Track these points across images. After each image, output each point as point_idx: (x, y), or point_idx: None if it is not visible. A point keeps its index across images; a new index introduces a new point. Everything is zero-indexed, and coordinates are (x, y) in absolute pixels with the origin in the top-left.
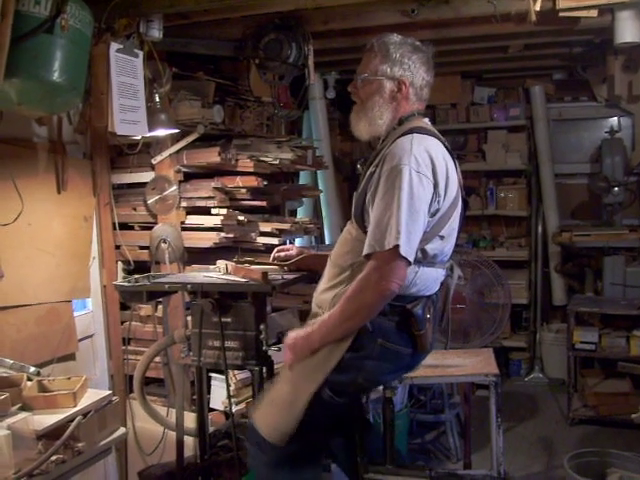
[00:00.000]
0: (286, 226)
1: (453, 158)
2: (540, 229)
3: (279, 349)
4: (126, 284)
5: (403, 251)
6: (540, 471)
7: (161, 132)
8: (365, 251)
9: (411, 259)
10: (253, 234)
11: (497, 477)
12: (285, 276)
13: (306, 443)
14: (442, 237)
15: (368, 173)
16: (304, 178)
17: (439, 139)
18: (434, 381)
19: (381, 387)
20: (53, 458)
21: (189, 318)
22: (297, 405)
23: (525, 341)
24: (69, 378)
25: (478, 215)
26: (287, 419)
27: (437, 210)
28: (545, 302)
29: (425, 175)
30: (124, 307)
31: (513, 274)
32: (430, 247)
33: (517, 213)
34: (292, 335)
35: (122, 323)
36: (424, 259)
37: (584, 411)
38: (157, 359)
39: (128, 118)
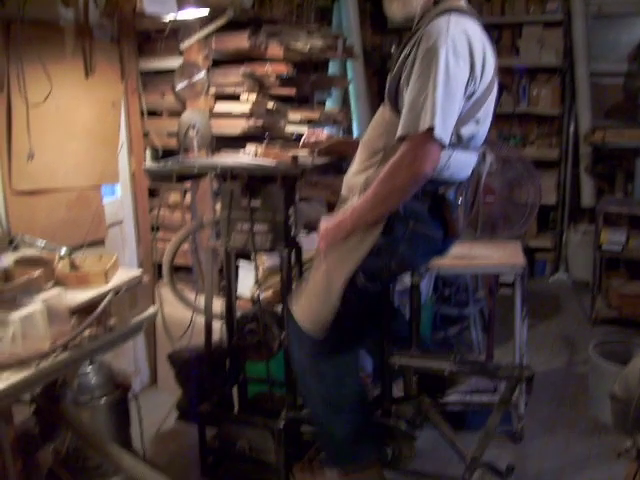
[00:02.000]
0: (315, 115)
1: (490, 41)
2: (572, 129)
3: (307, 234)
4: (155, 166)
5: (438, 133)
6: (561, 367)
7: (190, 13)
8: (399, 133)
9: (446, 142)
10: (282, 122)
11: (519, 366)
12: (315, 161)
13: (343, 332)
14: (477, 121)
15: (403, 54)
16: (333, 70)
17: (477, 20)
18: (460, 271)
19: (407, 277)
20: (86, 333)
21: (217, 206)
22: (332, 292)
23: (551, 242)
24: (100, 257)
25: (509, 113)
26: (324, 308)
27: (473, 93)
28: (573, 203)
29: (462, 56)
30: (152, 195)
31: (542, 174)
32: (465, 131)
33: (549, 112)
34: (323, 224)
35: (150, 211)
36: (458, 143)
37: (607, 312)
38: (185, 247)
39: None
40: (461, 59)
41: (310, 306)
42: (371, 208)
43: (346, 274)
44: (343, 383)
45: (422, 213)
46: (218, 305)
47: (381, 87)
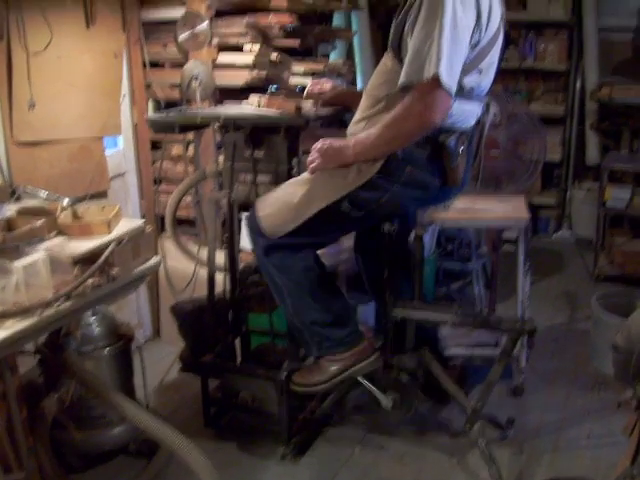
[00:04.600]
0: (319, 67)
1: None
2: (579, 85)
3: None
4: (158, 116)
5: (445, 81)
6: (563, 323)
7: None
8: (401, 80)
9: (453, 90)
10: (286, 74)
11: (522, 319)
12: (319, 111)
13: (306, 239)
14: (480, 70)
15: (408, 1)
16: (338, 22)
17: None
18: (464, 224)
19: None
20: (89, 282)
21: (220, 158)
22: (306, 211)
23: (555, 199)
24: (103, 208)
25: (515, 68)
26: (291, 220)
27: (478, 42)
28: (578, 161)
29: (468, 4)
30: (155, 147)
31: (547, 131)
32: (468, 80)
33: (556, 67)
34: (326, 141)
35: (153, 163)
36: (461, 92)
37: (610, 269)
38: (188, 199)
39: None
40: (468, 6)
41: (277, 211)
42: (375, 147)
43: (329, 200)
44: (306, 270)
45: (420, 159)
46: (221, 257)
47: (386, 40)
